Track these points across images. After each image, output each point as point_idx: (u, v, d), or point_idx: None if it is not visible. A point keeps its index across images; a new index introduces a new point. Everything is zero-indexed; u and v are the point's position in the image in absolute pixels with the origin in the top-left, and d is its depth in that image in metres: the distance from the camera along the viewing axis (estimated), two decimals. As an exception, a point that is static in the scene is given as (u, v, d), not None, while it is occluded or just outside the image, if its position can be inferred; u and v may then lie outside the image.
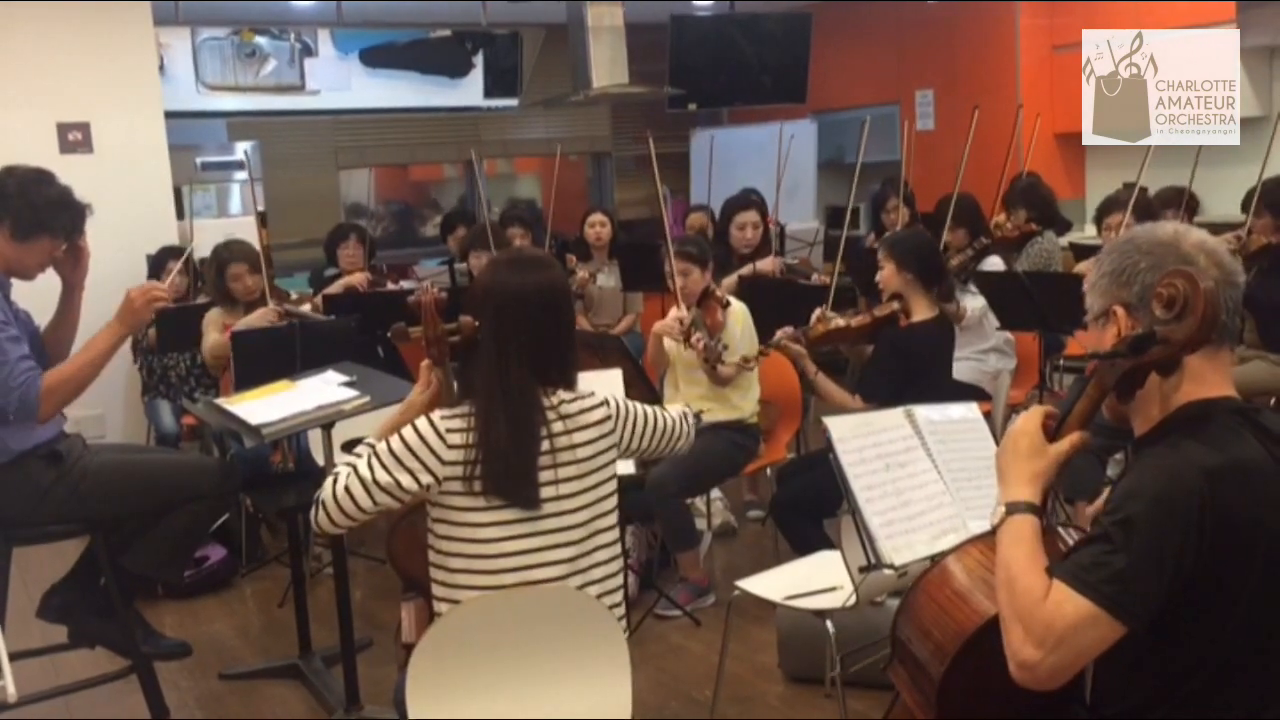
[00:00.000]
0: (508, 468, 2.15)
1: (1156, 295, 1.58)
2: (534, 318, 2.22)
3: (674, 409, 2.53)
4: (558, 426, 2.23)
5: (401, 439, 2.17)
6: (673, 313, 4.17)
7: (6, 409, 2.98)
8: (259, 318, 4.57)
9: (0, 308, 3.03)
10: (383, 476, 2.15)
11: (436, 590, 2.25)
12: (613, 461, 2.31)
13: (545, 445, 2.20)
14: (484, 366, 2.21)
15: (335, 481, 2.19)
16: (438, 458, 2.15)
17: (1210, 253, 1.64)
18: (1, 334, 2.97)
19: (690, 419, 2.54)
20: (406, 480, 2.15)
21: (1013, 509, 1.67)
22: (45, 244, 3.17)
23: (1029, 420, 1.72)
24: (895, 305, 3.87)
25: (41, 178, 3.16)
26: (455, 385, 2.35)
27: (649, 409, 2.43)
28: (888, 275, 3.90)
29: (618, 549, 2.34)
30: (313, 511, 2.23)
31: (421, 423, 2.18)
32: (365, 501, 2.17)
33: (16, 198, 3.08)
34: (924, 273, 3.90)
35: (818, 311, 4.03)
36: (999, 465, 1.74)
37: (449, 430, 2.16)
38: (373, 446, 2.23)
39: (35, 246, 3.15)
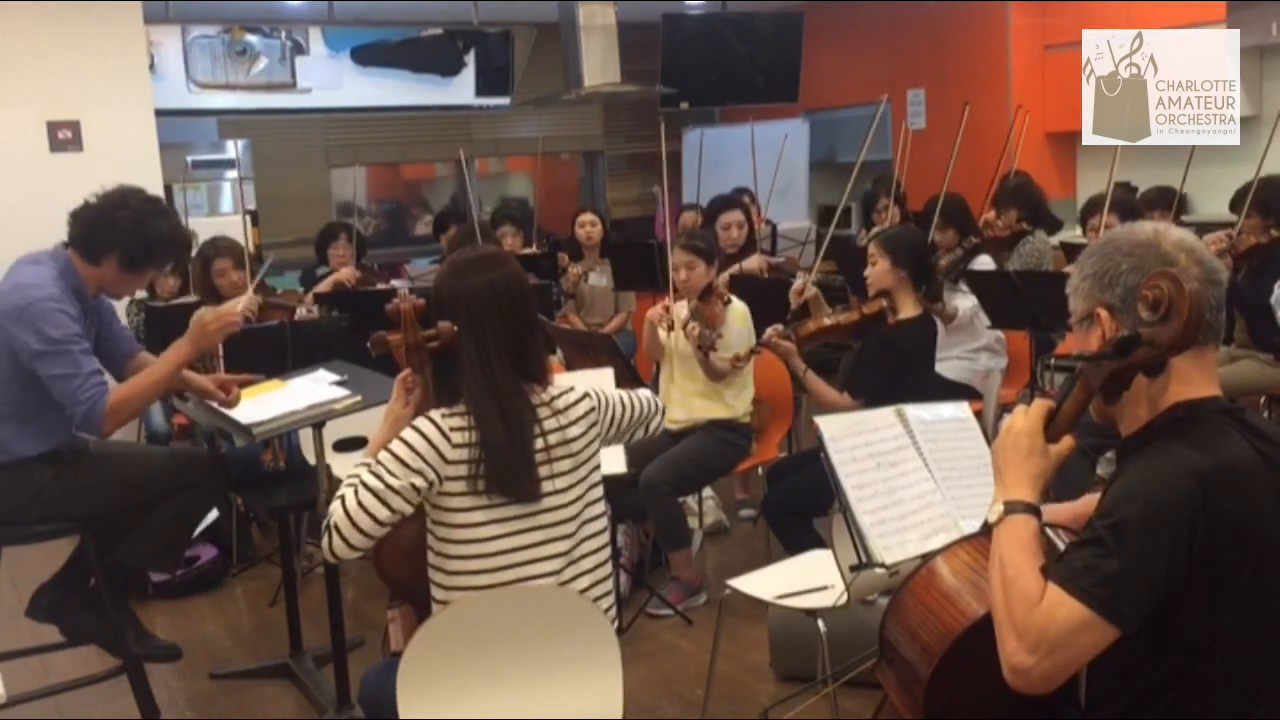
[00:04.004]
0: (508, 465, 2.17)
1: (1141, 297, 1.58)
2: (506, 314, 2.24)
3: (643, 391, 2.57)
4: (551, 423, 2.26)
5: (405, 442, 2.17)
6: (664, 302, 4.19)
7: (72, 420, 3.02)
8: (238, 304, 4.55)
9: (78, 321, 3.05)
10: (395, 481, 2.15)
11: (435, 592, 2.26)
12: (597, 451, 2.35)
13: (540, 443, 2.22)
14: (468, 370, 2.22)
15: (344, 502, 2.18)
16: (442, 457, 2.16)
17: (1190, 251, 1.64)
18: (75, 346, 3.00)
19: (656, 401, 2.58)
20: (419, 481, 2.15)
21: (1011, 508, 1.66)
22: (149, 275, 3.27)
23: (1031, 419, 1.70)
24: (883, 302, 3.89)
25: (156, 210, 3.19)
26: (432, 389, 2.34)
27: (623, 395, 2.48)
28: (880, 272, 3.91)
29: (606, 538, 2.37)
30: (325, 542, 2.19)
31: (423, 424, 2.18)
32: (382, 512, 2.15)
33: (130, 231, 3.10)
34: (916, 271, 3.92)
35: (796, 284, 4.03)
36: (997, 463, 1.73)
37: (452, 429, 2.17)
38: (368, 462, 2.23)
39: (140, 277, 3.25)
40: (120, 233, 3.10)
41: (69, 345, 2.98)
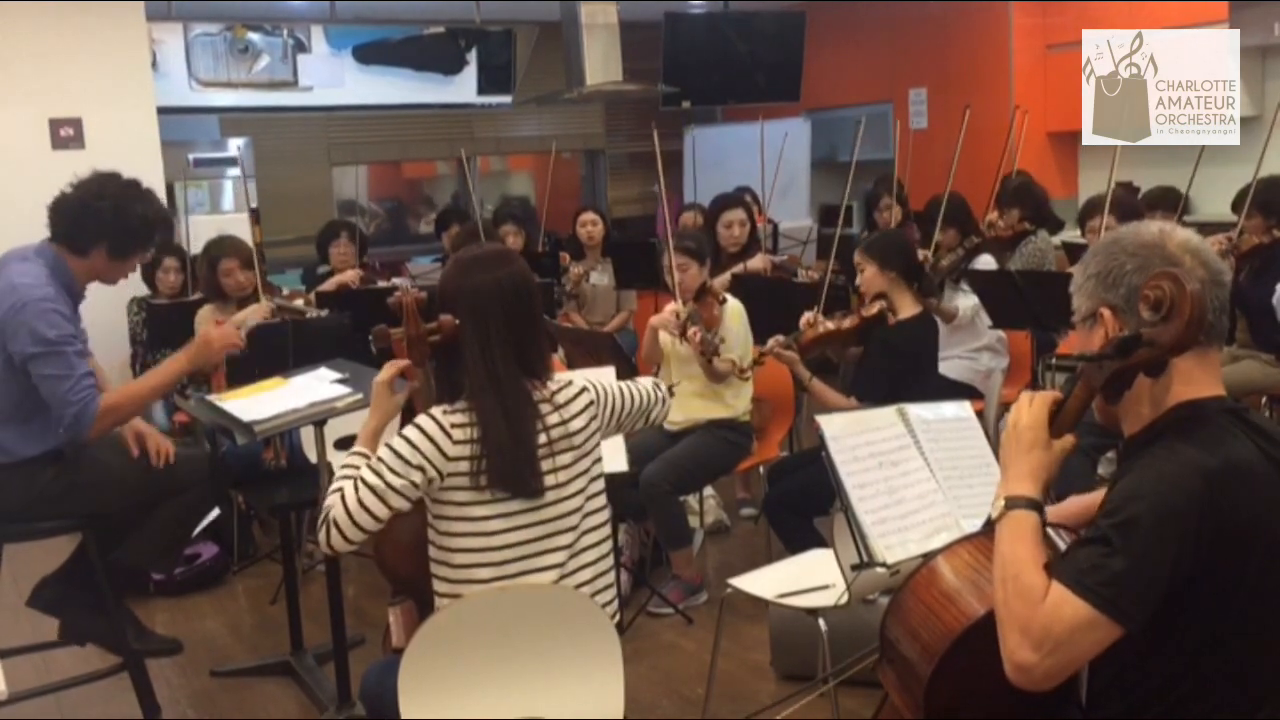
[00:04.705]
0: (512, 461, 2.18)
1: (1143, 297, 1.58)
2: (509, 312, 2.24)
3: (644, 381, 2.57)
4: (553, 418, 2.27)
5: (406, 440, 2.18)
6: (670, 306, 4.17)
7: (60, 421, 3.02)
8: (253, 313, 4.56)
9: (73, 322, 3.05)
10: (395, 479, 2.16)
11: (439, 586, 2.26)
12: (599, 444, 2.36)
13: (543, 437, 2.23)
14: (470, 366, 2.22)
15: (343, 497, 2.19)
16: (443, 453, 2.16)
17: (1195, 252, 1.64)
18: (69, 348, 3.00)
19: (661, 389, 2.58)
20: (418, 478, 2.17)
21: (1013, 503, 1.66)
22: (139, 259, 3.28)
23: (1035, 413, 1.70)
24: (882, 304, 3.88)
25: (136, 194, 3.19)
26: (436, 386, 2.35)
27: (622, 386, 2.48)
28: (870, 277, 3.92)
29: (607, 530, 2.37)
30: (322, 535, 2.21)
31: (425, 421, 2.19)
32: (380, 509, 2.17)
33: (114, 220, 3.12)
34: (906, 269, 3.93)
35: (807, 316, 4.03)
36: (1002, 456, 1.73)
37: (453, 425, 2.18)
38: (366, 456, 2.25)
39: (130, 262, 3.26)
40: (104, 223, 3.11)
41: (63, 346, 2.98)
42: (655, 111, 8.44)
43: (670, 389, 2.71)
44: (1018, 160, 6.39)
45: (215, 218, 6.99)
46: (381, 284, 5.96)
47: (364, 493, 2.17)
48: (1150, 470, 1.57)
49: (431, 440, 2.17)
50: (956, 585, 1.74)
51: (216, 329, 3.30)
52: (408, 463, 2.16)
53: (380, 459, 2.18)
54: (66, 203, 3.12)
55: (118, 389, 3.15)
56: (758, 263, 5.60)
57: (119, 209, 3.11)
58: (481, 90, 8.58)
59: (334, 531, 2.19)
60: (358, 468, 2.23)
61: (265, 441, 4.07)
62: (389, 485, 2.16)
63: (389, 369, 2.37)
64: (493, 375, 2.20)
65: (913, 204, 6.38)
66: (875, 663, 1.88)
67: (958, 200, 5.39)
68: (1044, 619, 1.53)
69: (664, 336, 4.21)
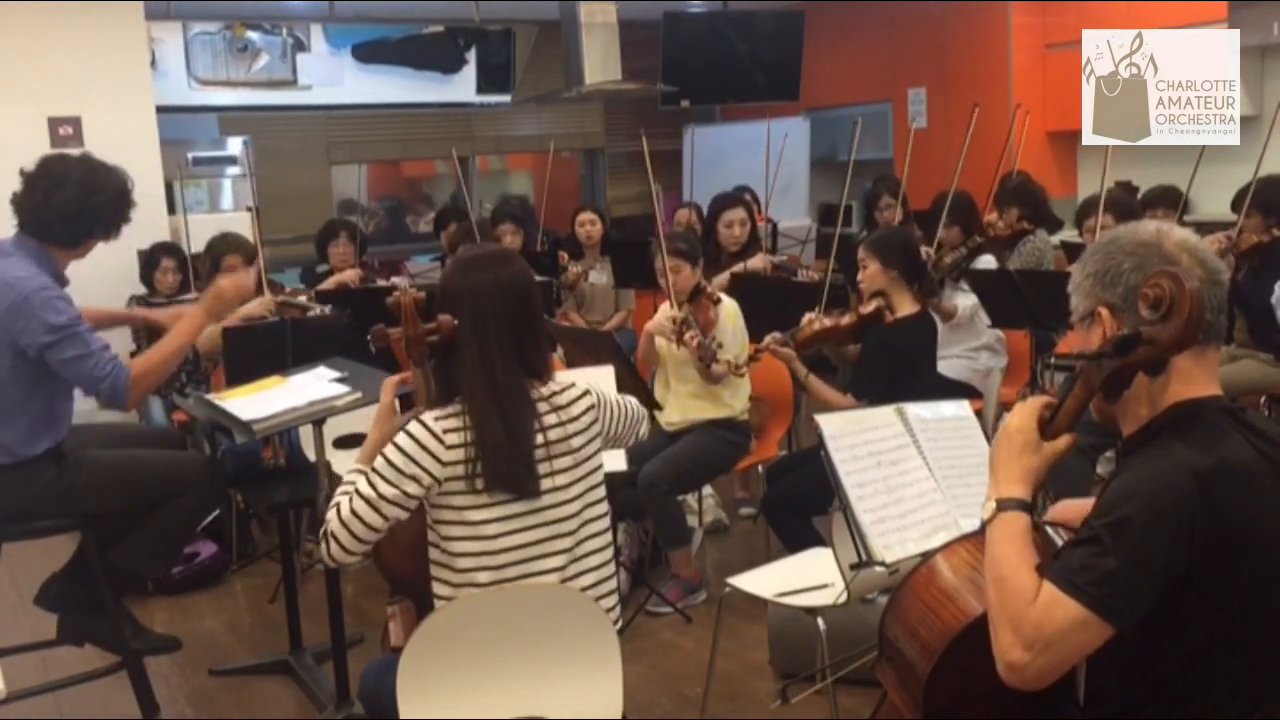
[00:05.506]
0: (508, 461, 2.17)
1: (1142, 296, 1.58)
2: (509, 312, 2.24)
3: (629, 398, 2.58)
4: (551, 419, 2.26)
5: (398, 448, 2.17)
6: (664, 310, 4.16)
7: (97, 397, 3.08)
8: (257, 306, 4.56)
9: (72, 304, 3.06)
10: (388, 490, 2.16)
11: (440, 589, 2.26)
12: (599, 450, 2.35)
13: (540, 439, 2.22)
14: (468, 365, 2.22)
15: (339, 511, 2.19)
16: (437, 459, 2.16)
17: (1193, 251, 1.64)
18: (80, 328, 3.03)
19: (640, 406, 2.58)
20: (412, 487, 2.16)
21: (1003, 505, 1.66)
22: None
23: (1025, 415, 1.71)
24: (880, 302, 3.89)
25: (107, 173, 3.18)
26: (434, 385, 2.35)
27: (617, 397, 2.49)
28: (872, 274, 3.92)
29: (609, 537, 2.37)
30: (323, 548, 2.22)
31: (415, 428, 2.19)
32: (376, 520, 2.17)
33: (111, 212, 3.16)
34: (908, 269, 3.93)
35: (809, 316, 4.03)
36: (992, 459, 1.73)
37: (445, 430, 2.17)
38: (363, 470, 2.24)
39: (119, 234, 3.27)
40: (100, 216, 3.14)
41: (75, 327, 3.01)
42: (654, 111, 8.45)
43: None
44: (1017, 160, 6.39)
45: (214, 216, 6.98)
46: (381, 283, 5.96)
47: (358, 504, 2.17)
48: (1143, 470, 1.57)
49: (424, 448, 2.16)
50: (955, 584, 1.74)
51: (226, 278, 3.32)
52: (400, 472, 2.16)
53: (375, 469, 2.18)
54: (54, 207, 3.09)
55: (143, 355, 3.20)
56: (757, 262, 5.59)
57: (112, 199, 3.14)
58: (480, 89, 8.59)
59: (333, 544, 2.20)
60: (355, 482, 2.23)
61: (264, 440, 4.07)
62: (381, 495, 2.16)
63: (390, 388, 2.36)
64: (490, 375, 2.20)
65: (912, 203, 6.37)
66: (874, 661, 1.88)
67: (963, 198, 5.38)
68: (1036, 618, 1.54)
69: (661, 339, 4.20)
